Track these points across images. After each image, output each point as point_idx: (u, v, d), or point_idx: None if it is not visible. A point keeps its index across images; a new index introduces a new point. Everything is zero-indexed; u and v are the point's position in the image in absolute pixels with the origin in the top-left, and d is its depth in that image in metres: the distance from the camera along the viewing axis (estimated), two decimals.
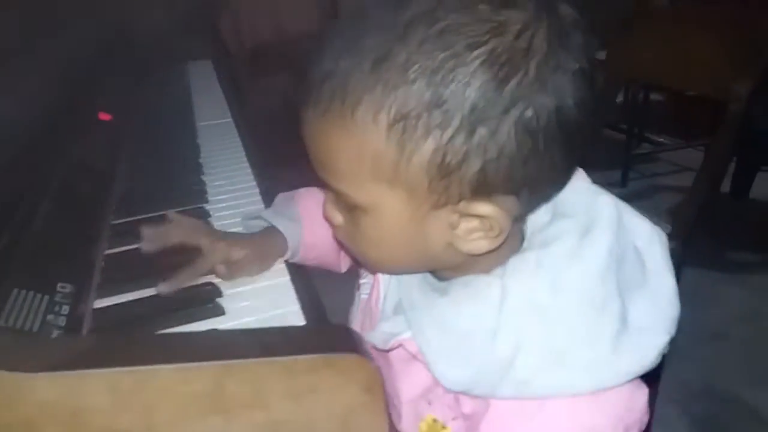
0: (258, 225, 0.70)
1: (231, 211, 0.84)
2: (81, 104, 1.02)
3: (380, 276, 0.55)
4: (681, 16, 1.44)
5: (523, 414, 0.43)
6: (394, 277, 0.53)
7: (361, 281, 0.62)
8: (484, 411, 0.44)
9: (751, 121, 1.67)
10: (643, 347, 0.43)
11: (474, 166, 0.39)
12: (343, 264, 0.71)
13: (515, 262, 0.44)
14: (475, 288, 0.45)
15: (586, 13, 0.42)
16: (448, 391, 0.45)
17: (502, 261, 0.45)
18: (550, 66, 0.38)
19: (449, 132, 0.38)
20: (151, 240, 0.66)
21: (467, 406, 0.46)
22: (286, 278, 0.67)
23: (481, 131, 0.38)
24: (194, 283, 0.64)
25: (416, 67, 0.37)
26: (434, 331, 0.45)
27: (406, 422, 0.51)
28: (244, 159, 0.99)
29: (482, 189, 0.40)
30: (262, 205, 0.84)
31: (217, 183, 0.92)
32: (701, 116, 2.17)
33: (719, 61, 1.26)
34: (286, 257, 0.67)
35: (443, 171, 0.39)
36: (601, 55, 2.44)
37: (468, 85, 0.37)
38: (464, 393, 0.45)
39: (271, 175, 0.97)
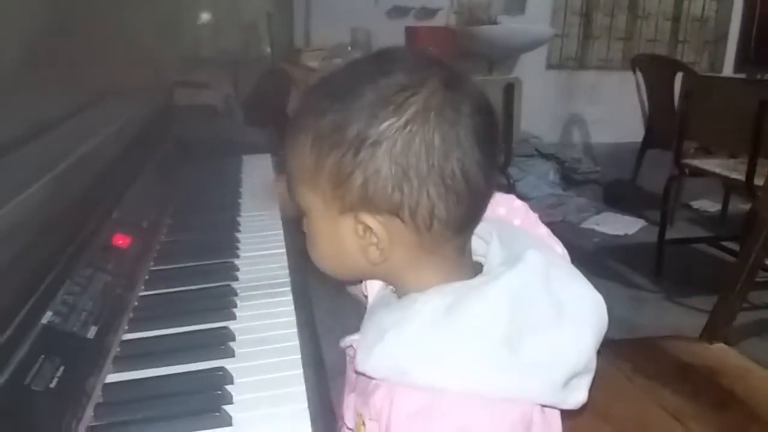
0: None
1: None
2: (93, 221, 0.77)
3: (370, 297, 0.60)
4: None
5: (422, 410, 0.48)
6: (376, 298, 0.59)
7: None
8: (388, 410, 0.49)
9: None
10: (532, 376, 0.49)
11: (357, 180, 0.49)
12: None
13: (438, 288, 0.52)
14: (405, 300, 0.52)
15: None
16: (362, 392, 0.53)
17: (434, 281, 0.52)
18: (426, 115, 0.48)
19: (342, 150, 0.49)
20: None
21: (377, 400, 0.50)
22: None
23: (363, 154, 0.48)
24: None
25: (331, 108, 0.50)
26: (370, 331, 0.53)
27: (348, 419, 0.57)
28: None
29: (366, 203, 0.49)
30: None
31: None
32: None
33: None
34: None
35: (338, 181, 0.50)
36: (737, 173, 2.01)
37: (358, 118, 0.48)
38: (383, 380, 0.50)
39: None
